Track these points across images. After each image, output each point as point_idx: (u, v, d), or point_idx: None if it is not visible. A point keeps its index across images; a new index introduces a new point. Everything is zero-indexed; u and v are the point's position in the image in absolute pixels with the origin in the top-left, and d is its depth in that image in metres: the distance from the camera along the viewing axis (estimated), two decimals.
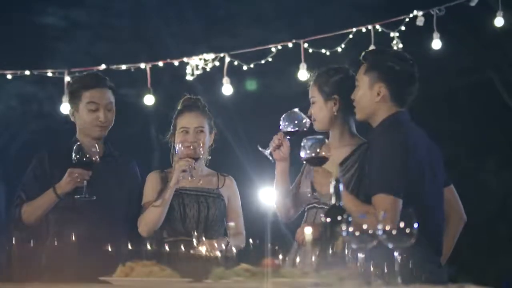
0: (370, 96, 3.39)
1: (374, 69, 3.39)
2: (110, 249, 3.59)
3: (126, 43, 8.35)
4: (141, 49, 8.07)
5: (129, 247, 3.57)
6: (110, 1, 8.45)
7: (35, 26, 8.05)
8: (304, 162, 3.47)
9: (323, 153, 3.31)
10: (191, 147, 3.89)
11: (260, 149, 3.63)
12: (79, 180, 3.70)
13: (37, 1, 8.08)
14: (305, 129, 3.55)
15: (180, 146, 3.91)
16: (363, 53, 3.49)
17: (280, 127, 3.60)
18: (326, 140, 3.37)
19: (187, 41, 8.15)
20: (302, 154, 3.38)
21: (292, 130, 3.58)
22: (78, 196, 3.72)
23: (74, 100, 3.97)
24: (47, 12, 8.28)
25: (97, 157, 3.71)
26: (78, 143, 3.79)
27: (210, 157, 4.08)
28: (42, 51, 7.74)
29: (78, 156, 3.69)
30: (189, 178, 3.78)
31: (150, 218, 3.85)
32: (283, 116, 3.59)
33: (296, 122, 3.57)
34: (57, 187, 3.76)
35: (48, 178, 3.89)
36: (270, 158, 3.64)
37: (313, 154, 3.33)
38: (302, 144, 3.39)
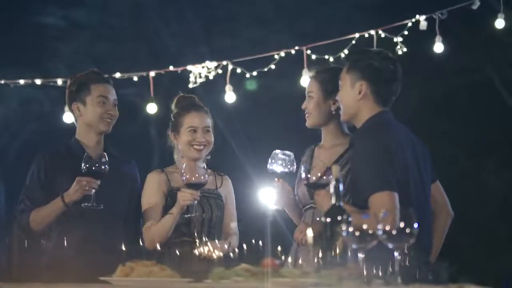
0: (352, 95, 3.40)
1: (355, 67, 3.41)
2: (111, 250, 3.60)
3: (126, 43, 8.34)
4: (141, 49, 8.07)
5: (130, 247, 3.58)
6: (110, 1, 8.45)
7: (35, 26, 8.04)
8: (306, 186, 3.47)
9: (324, 177, 3.32)
10: (201, 147, 3.91)
11: (266, 206, 3.62)
12: (87, 188, 3.70)
13: (37, 1, 8.07)
14: (295, 166, 3.56)
15: (188, 145, 3.92)
16: (346, 53, 3.53)
17: (269, 167, 3.57)
18: (329, 167, 3.38)
19: (187, 42, 8.15)
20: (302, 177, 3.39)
21: (287, 171, 3.56)
22: (86, 205, 3.72)
23: (81, 93, 3.97)
24: (47, 12, 8.28)
25: (106, 166, 3.71)
26: (86, 153, 3.78)
27: (209, 157, 4.07)
28: (42, 51, 7.74)
29: (87, 166, 3.69)
30: (192, 214, 3.76)
31: (156, 236, 3.82)
32: (272, 160, 3.56)
33: (284, 164, 3.56)
34: (65, 196, 3.76)
35: (50, 181, 3.89)
36: (280, 208, 3.64)
37: (314, 178, 3.34)
38: (302, 169, 3.39)
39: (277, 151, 3.56)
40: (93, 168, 3.69)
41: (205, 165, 3.85)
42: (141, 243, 3.86)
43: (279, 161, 3.54)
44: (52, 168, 3.91)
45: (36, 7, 8.12)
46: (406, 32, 5.70)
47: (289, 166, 3.55)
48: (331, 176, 3.30)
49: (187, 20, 8.45)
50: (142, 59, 6.28)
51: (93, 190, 3.70)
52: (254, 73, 6.04)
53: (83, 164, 3.69)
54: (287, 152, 3.56)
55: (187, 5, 8.33)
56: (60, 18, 8.39)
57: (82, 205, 3.72)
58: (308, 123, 3.73)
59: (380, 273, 2.64)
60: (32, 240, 3.88)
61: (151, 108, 6.13)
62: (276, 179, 3.59)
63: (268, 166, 3.58)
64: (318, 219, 3.58)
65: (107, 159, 3.72)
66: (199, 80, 6.01)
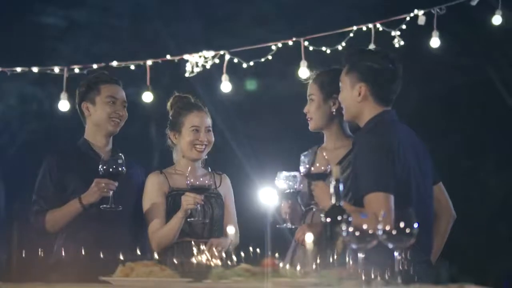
0: (352, 97, 3.41)
1: (354, 69, 3.41)
2: (115, 251, 3.60)
3: (126, 43, 8.34)
4: (141, 49, 8.06)
5: (133, 248, 3.58)
6: (110, 1, 8.44)
7: (35, 26, 8.04)
8: (304, 177, 3.47)
9: (322, 168, 3.33)
10: (203, 147, 3.92)
11: (278, 226, 3.61)
12: (105, 190, 3.72)
13: (37, 1, 8.07)
14: (301, 185, 3.56)
15: (190, 145, 3.92)
16: (345, 54, 3.53)
17: (277, 185, 3.55)
18: (325, 155, 3.39)
19: (187, 41, 8.14)
20: (302, 169, 3.39)
21: (291, 190, 3.55)
22: (104, 206, 3.73)
23: (90, 93, 4.01)
24: (47, 12, 8.27)
25: (123, 168, 3.72)
26: (103, 156, 3.80)
27: (206, 157, 4.06)
28: (42, 51, 7.73)
29: (105, 167, 3.70)
30: (195, 218, 3.75)
31: (164, 240, 3.82)
32: (279, 180, 3.54)
33: (291, 183, 3.55)
34: (83, 198, 3.78)
35: (61, 181, 3.90)
36: (292, 226, 3.63)
37: (313, 169, 3.34)
38: (301, 159, 3.40)
39: (283, 171, 3.56)
40: (111, 169, 3.71)
41: (209, 168, 3.84)
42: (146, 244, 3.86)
43: (284, 181, 3.54)
44: (62, 169, 3.92)
45: (36, 7, 8.12)
46: (404, 26, 5.69)
47: (295, 186, 3.55)
48: (330, 166, 3.32)
49: (187, 20, 8.45)
50: (142, 58, 6.26)
51: (111, 192, 3.71)
52: (251, 63, 6.01)
53: (100, 166, 3.71)
54: (293, 173, 3.56)
55: (187, 5, 8.33)
56: (60, 18, 8.39)
57: (101, 206, 3.75)
58: (311, 126, 3.75)
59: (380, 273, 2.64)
60: (43, 241, 3.89)
61: (147, 97, 6.09)
62: (283, 200, 3.59)
63: (280, 184, 3.57)
64: (315, 210, 3.58)
65: (124, 160, 3.73)
66: (196, 70, 5.98)
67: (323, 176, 3.34)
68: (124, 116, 4.02)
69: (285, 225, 3.59)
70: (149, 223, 3.88)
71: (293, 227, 3.63)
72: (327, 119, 3.71)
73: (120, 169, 3.71)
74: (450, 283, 2.60)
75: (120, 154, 3.80)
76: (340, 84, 3.47)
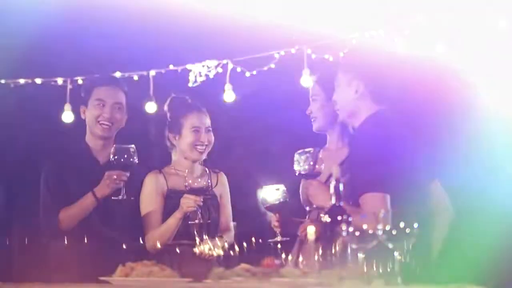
0: (349, 95, 3.40)
1: (350, 67, 3.40)
2: (116, 250, 3.61)
3: (126, 44, 8.32)
4: (141, 50, 8.05)
5: (134, 249, 3.59)
6: (110, 1, 8.43)
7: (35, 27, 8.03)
8: (298, 175, 3.47)
9: (317, 167, 3.33)
10: (203, 148, 3.92)
11: (272, 240, 3.60)
12: (117, 182, 3.72)
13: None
14: (287, 197, 3.56)
15: (191, 146, 3.92)
16: (341, 54, 3.53)
17: (264, 199, 3.56)
18: (320, 154, 3.39)
19: (187, 42, 8.13)
20: (296, 167, 3.38)
21: (279, 203, 3.55)
22: (116, 198, 3.73)
23: (86, 96, 4.01)
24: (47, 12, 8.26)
25: (135, 158, 3.71)
26: (115, 145, 3.78)
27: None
28: (41, 52, 7.72)
29: (116, 157, 3.69)
30: (196, 221, 3.76)
31: (159, 240, 3.80)
32: (265, 192, 3.55)
33: (277, 197, 3.55)
34: (96, 191, 3.78)
35: (61, 187, 3.89)
36: (284, 239, 3.63)
37: (307, 167, 3.34)
38: (295, 158, 3.39)
39: (268, 185, 3.56)
40: (122, 159, 3.70)
41: (207, 170, 3.84)
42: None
43: (270, 194, 3.54)
44: (64, 170, 3.91)
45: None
46: (407, 32, 5.69)
47: (280, 199, 3.55)
48: (323, 165, 3.32)
49: (187, 21, 8.44)
50: (143, 60, 6.25)
51: (122, 183, 3.71)
52: (254, 72, 6.02)
53: (111, 156, 3.70)
54: (277, 186, 3.56)
55: (187, 6, 8.32)
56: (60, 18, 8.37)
57: (112, 198, 3.74)
58: (315, 127, 3.74)
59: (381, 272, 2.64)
60: (54, 240, 3.87)
61: (150, 107, 6.09)
62: (272, 214, 3.59)
63: (267, 198, 3.57)
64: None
65: (135, 150, 3.72)
66: (199, 79, 5.98)
67: (315, 175, 3.35)
68: (116, 119, 3.96)
69: (276, 238, 3.57)
70: (146, 223, 3.88)
71: (285, 239, 3.61)
72: (330, 118, 3.70)
73: (131, 159, 3.70)
74: (450, 283, 2.60)
75: (132, 145, 3.77)
76: (335, 82, 3.46)
